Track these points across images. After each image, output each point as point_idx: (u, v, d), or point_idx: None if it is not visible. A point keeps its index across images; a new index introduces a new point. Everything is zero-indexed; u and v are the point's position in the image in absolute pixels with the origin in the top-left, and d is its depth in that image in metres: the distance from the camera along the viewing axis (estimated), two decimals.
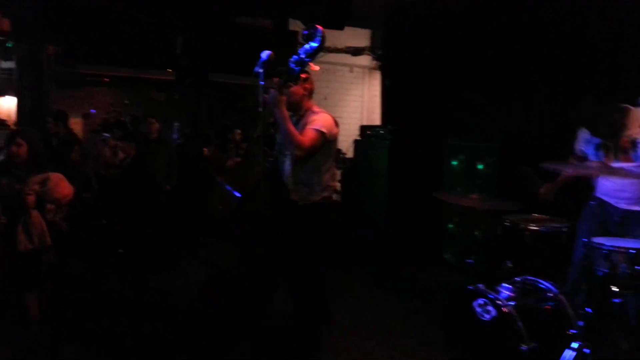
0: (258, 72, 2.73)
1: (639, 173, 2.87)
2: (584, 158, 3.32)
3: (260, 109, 2.85)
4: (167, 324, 3.60)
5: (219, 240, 3.32)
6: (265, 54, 2.65)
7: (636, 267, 2.54)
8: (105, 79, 8.21)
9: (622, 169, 2.88)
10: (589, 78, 3.96)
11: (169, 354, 3.20)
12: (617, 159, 3.05)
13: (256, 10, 6.72)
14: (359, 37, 7.92)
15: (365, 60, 8.19)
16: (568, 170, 3.24)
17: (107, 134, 5.64)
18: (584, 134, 3.30)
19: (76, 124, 7.53)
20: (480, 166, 4.59)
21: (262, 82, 2.70)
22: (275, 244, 3.16)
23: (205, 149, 5.51)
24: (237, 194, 3.11)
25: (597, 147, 3.17)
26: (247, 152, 3.23)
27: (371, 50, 7.97)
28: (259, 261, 3.10)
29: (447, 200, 3.46)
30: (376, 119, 7.57)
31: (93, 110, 8.16)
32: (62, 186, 3.21)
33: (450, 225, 4.95)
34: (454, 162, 4.88)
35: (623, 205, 3.07)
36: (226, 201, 3.20)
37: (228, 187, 3.23)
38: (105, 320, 3.60)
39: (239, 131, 6.08)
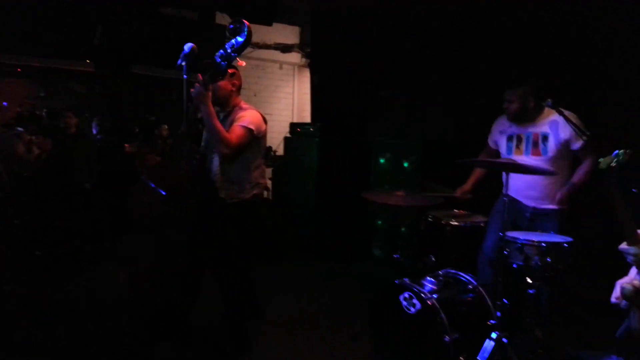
0: (181, 65, 2.64)
1: (543, 169, 3.02)
2: (495, 150, 3.49)
3: (185, 104, 2.75)
4: (89, 325, 3.40)
5: (141, 239, 3.18)
6: (187, 46, 2.56)
7: (547, 259, 2.71)
8: (18, 69, 7.61)
9: (528, 165, 3.03)
10: (507, 73, 4.16)
11: (93, 356, 3.03)
12: (527, 153, 3.23)
13: (181, 0, 6.50)
14: (289, 34, 7.89)
15: (295, 57, 8.18)
16: (477, 167, 3.42)
17: (20, 128, 5.23)
18: (499, 124, 3.45)
19: None
20: (405, 164, 4.72)
21: (185, 76, 2.61)
22: (201, 242, 3.08)
23: (126, 145, 5.26)
24: (162, 192, 3.00)
25: (509, 139, 3.34)
26: (172, 148, 3.11)
27: (300, 47, 7.97)
28: (184, 259, 3.00)
29: (373, 199, 3.53)
30: (307, 117, 7.58)
31: (5, 103, 7.55)
32: None
33: (379, 222, 5.05)
34: (381, 160, 4.99)
35: (532, 204, 3.26)
36: (149, 199, 3.07)
37: (152, 185, 3.10)
38: (24, 324, 3.35)
39: (165, 127, 5.86)
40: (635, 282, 1.63)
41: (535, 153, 3.19)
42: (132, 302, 3.40)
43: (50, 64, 7.16)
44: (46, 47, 6.51)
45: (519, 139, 3.28)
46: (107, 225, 5.06)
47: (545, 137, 3.16)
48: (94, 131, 6.13)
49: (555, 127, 3.11)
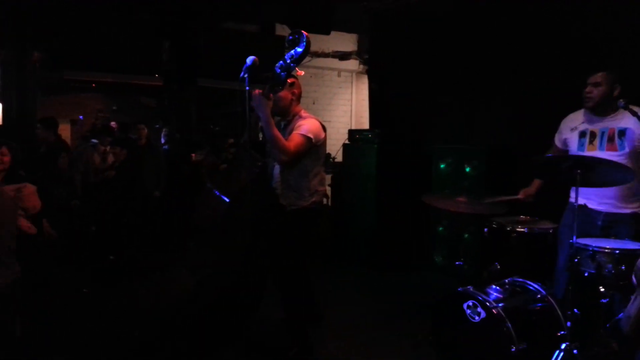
0: (243, 78, 2.74)
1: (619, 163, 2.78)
2: (563, 151, 3.30)
3: (248, 115, 2.85)
4: (157, 329, 3.57)
5: (207, 246, 3.31)
6: (249, 59, 2.65)
7: (621, 267, 2.57)
8: (93, 85, 8.15)
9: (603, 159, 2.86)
10: (571, 80, 4.00)
11: None
12: (602, 148, 3.05)
13: (243, 15, 6.72)
14: (346, 41, 7.94)
15: (352, 64, 8.21)
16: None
17: (95, 140, 5.60)
18: (569, 121, 3.26)
19: (64, 130, 7.47)
20: (467, 169, 4.62)
21: (248, 88, 2.70)
22: (262, 248, 3.15)
23: (193, 155, 5.50)
24: (226, 199, 3.10)
25: (582, 135, 3.16)
26: (235, 157, 3.22)
27: (358, 54, 7.99)
28: (247, 266, 3.09)
29: (434, 204, 3.47)
30: (365, 123, 7.59)
31: (81, 117, 8.10)
32: (33, 198, 3.32)
33: (440, 228, 4.97)
34: (442, 165, 4.91)
35: (604, 208, 3.07)
36: (214, 206, 3.19)
37: (217, 192, 3.22)
38: (95, 327, 3.57)
39: (231, 140, 6.08)
40: None
41: (610, 148, 3.00)
42: (198, 307, 3.53)
43: (122, 79, 7.62)
44: (118, 63, 6.93)
45: (593, 135, 3.08)
46: (175, 231, 5.31)
47: (622, 132, 2.97)
48: (163, 142, 6.45)
49: (633, 122, 2.92)
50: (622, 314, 2.24)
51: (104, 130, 5.99)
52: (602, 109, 3.05)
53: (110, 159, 5.33)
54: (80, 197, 5.05)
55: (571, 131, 3.22)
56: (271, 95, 2.88)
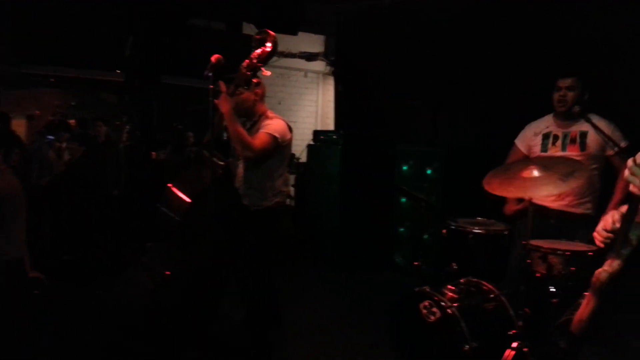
0: (208, 75, 2.72)
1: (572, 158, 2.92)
2: (524, 155, 3.38)
3: (211, 113, 2.83)
4: (114, 331, 3.50)
5: (166, 246, 3.26)
6: (214, 57, 2.64)
7: (571, 268, 2.68)
8: (51, 79, 7.90)
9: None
10: (532, 84, 4.13)
11: None
12: (564, 149, 3.17)
13: (210, 12, 6.66)
14: (313, 42, 7.99)
15: (319, 65, 8.26)
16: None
17: (51, 137, 5.43)
18: (533, 127, 3.36)
19: (20, 126, 7.21)
20: (428, 171, 4.72)
21: (212, 86, 2.69)
22: (224, 249, 3.14)
23: (153, 153, 5.40)
24: (187, 199, 3.07)
25: (545, 137, 3.27)
26: (197, 156, 3.19)
27: (325, 56, 8.05)
28: (208, 267, 3.07)
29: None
30: (330, 124, 7.64)
31: (37, 112, 7.83)
32: None
33: (401, 229, 5.05)
34: (404, 167, 5.00)
35: (559, 207, 3.21)
36: (176, 206, 3.15)
37: (178, 192, 3.18)
38: (51, 329, 3.46)
39: (191, 134, 6.00)
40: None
41: (572, 149, 3.13)
42: (156, 309, 3.48)
43: (82, 74, 7.42)
44: (78, 58, 6.75)
45: (556, 137, 3.21)
46: (133, 232, 5.20)
47: (584, 135, 3.12)
48: (123, 139, 6.31)
49: (595, 127, 3.03)
50: (571, 314, 2.34)
51: (61, 126, 5.81)
52: (568, 113, 3.15)
53: (66, 156, 5.18)
54: (35, 195, 4.88)
55: (535, 135, 3.33)
56: (234, 95, 2.86)
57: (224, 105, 2.81)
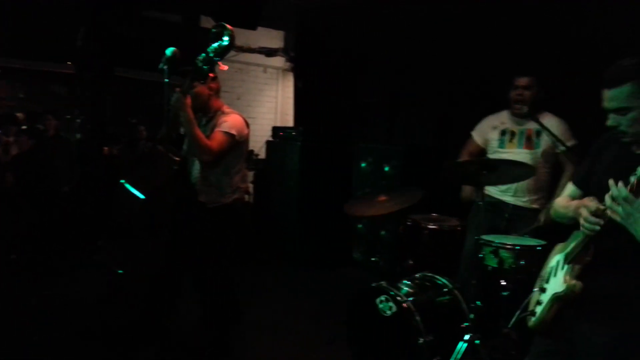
0: (162, 69, 2.65)
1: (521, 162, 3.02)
2: (481, 149, 3.50)
3: (166, 108, 2.76)
4: (66, 331, 3.38)
5: (120, 244, 3.17)
6: (169, 50, 2.57)
7: (521, 262, 2.78)
8: None
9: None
10: (485, 81, 4.23)
11: None
12: (520, 146, 3.28)
13: (166, 4, 6.49)
14: (273, 38, 7.92)
15: (279, 61, 8.20)
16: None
17: None
18: (490, 120, 3.46)
19: None
20: (386, 168, 4.78)
21: (167, 80, 2.62)
22: (180, 247, 3.08)
23: (106, 148, 5.24)
24: (141, 196, 2.99)
25: (502, 133, 3.37)
26: (151, 151, 3.11)
27: (285, 51, 8.00)
28: (163, 265, 3.00)
29: (352, 212, 3.54)
30: (290, 120, 7.61)
31: None
32: None
33: (359, 225, 5.10)
34: (363, 164, 5.04)
35: (512, 200, 3.32)
36: (129, 203, 3.06)
37: (131, 189, 3.09)
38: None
39: (142, 128, 5.84)
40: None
41: (527, 146, 3.25)
42: (110, 307, 3.39)
43: (31, 66, 7.10)
44: (27, 48, 6.46)
45: (512, 134, 3.32)
46: (85, 229, 5.03)
47: (538, 133, 3.23)
48: (75, 134, 6.10)
49: (549, 124, 3.16)
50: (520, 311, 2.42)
51: (9, 120, 5.55)
52: (524, 110, 3.23)
53: (14, 150, 4.95)
54: None
55: (493, 129, 3.42)
56: (190, 90, 2.80)
57: (183, 107, 2.74)
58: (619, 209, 1.43)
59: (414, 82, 5.02)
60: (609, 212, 1.49)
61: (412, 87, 5.07)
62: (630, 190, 1.42)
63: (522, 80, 3.24)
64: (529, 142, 3.24)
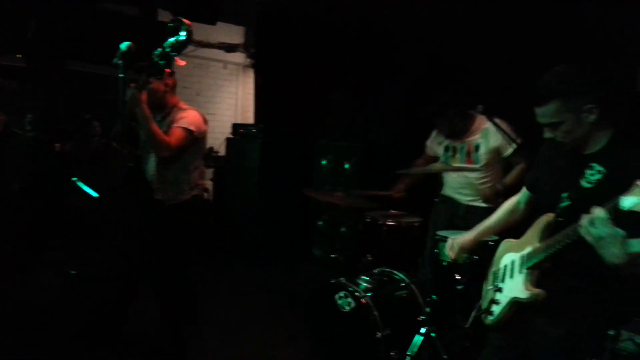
0: (117, 64, 2.59)
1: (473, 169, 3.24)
2: (434, 157, 3.65)
3: (121, 104, 2.70)
4: (19, 331, 3.26)
5: (74, 244, 3.09)
6: (124, 44, 2.51)
7: (475, 256, 2.86)
8: None
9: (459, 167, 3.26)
10: (445, 81, 4.33)
11: None
12: (462, 162, 3.41)
13: None
14: (233, 33, 7.83)
15: (239, 57, 8.12)
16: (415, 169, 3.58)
17: None
18: (438, 136, 3.60)
19: None
20: (346, 165, 4.82)
21: (122, 75, 2.56)
22: (138, 246, 3.02)
23: (57, 144, 5.05)
24: (94, 194, 2.92)
25: (446, 149, 3.51)
26: (105, 148, 3.03)
27: (245, 47, 7.93)
28: (118, 263, 2.94)
29: (314, 196, 3.60)
30: (251, 117, 7.55)
31: None
32: None
33: (320, 222, 5.12)
34: (323, 161, 5.07)
35: (465, 201, 3.43)
36: (82, 202, 2.99)
37: (84, 187, 3.02)
38: None
39: (96, 123, 5.66)
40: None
41: (468, 162, 3.37)
42: (64, 309, 3.29)
43: None
44: None
45: (454, 150, 3.44)
46: (37, 229, 4.85)
47: (477, 147, 3.34)
48: (25, 130, 5.85)
49: (486, 135, 3.28)
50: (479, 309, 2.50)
51: None
52: (458, 134, 3.41)
53: None
54: None
55: (439, 144, 3.57)
56: (145, 86, 2.75)
57: (138, 103, 2.69)
58: (593, 230, 1.46)
59: (374, 80, 5.08)
60: (582, 231, 1.50)
61: (372, 84, 5.12)
62: (610, 216, 1.43)
63: (435, 121, 3.43)
64: (469, 157, 3.36)
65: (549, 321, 1.74)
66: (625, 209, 1.37)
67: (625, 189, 1.45)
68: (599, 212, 1.44)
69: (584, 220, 1.49)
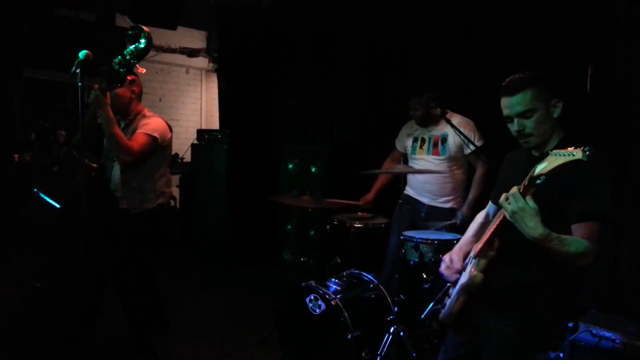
0: (75, 72, 2.54)
1: (435, 171, 3.35)
2: (402, 153, 3.71)
3: (80, 112, 2.64)
4: None
5: (35, 256, 3.00)
6: (82, 53, 2.47)
7: (440, 255, 2.93)
8: None
9: (421, 169, 3.35)
10: (411, 86, 4.39)
11: None
12: (429, 152, 3.49)
13: (79, 1, 6.16)
14: (195, 38, 7.76)
15: (202, 62, 8.05)
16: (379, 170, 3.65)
17: None
18: (407, 128, 3.68)
19: None
20: (313, 169, 4.85)
21: (80, 83, 2.52)
22: (101, 255, 2.96)
23: (16, 155, 4.89)
24: (56, 205, 2.84)
25: (415, 140, 3.58)
26: (67, 157, 2.96)
27: (207, 52, 7.86)
28: (83, 274, 2.88)
29: (282, 201, 3.62)
30: (216, 122, 7.49)
31: None
32: None
33: (289, 226, 5.13)
34: (290, 166, 5.08)
35: (427, 201, 3.51)
36: (43, 213, 2.90)
37: (45, 197, 2.93)
38: None
39: (62, 132, 5.51)
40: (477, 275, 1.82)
41: (435, 153, 3.46)
42: (26, 323, 3.19)
43: None
44: None
45: (423, 140, 3.53)
46: None
47: (444, 139, 3.43)
48: None
49: (452, 131, 3.36)
50: (434, 303, 2.55)
51: None
52: (428, 122, 3.49)
53: None
54: None
55: (407, 137, 3.66)
56: (108, 92, 2.71)
57: (101, 105, 2.65)
58: (508, 206, 1.55)
59: (339, 83, 5.12)
60: (502, 210, 1.61)
61: (336, 87, 5.16)
62: (521, 190, 1.54)
63: (412, 102, 3.49)
64: (436, 148, 3.46)
65: (498, 319, 1.80)
66: (535, 174, 1.49)
67: (567, 192, 1.55)
68: (512, 189, 1.55)
69: (502, 198, 1.59)
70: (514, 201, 1.53)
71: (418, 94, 3.44)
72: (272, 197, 3.76)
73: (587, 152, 1.40)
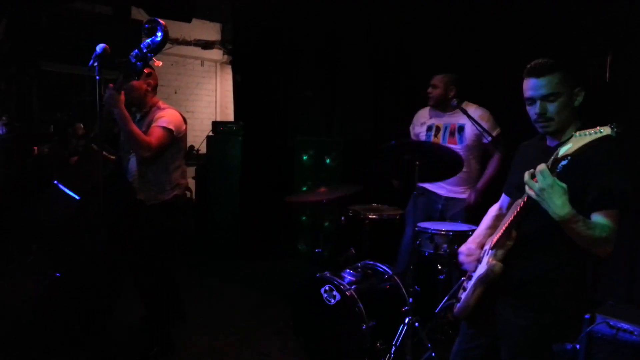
0: (93, 66, 2.57)
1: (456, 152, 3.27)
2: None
3: (99, 105, 2.68)
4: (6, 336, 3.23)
5: (54, 247, 3.06)
6: (99, 47, 2.49)
7: (455, 246, 2.93)
8: None
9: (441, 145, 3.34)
10: (423, 77, 4.37)
11: None
12: (444, 141, 3.46)
13: None
14: (209, 30, 7.78)
15: (216, 54, 8.07)
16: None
17: None
18: (420, 117, 3.66)
19: None
20: (327, 160, 4.86)
21: (98, 77, 2.54)
22: (121, 247, 3.01)
23: (35, 147, 4.97)
24: (75, 196, 2.89)
25: (429, 129, 3.55)
26: (86, 150, 3.00)
27: (222, 44, 7.88)
28: (101, 265, 2.93)
29: (296, 200, 3.62)
30: (230, 114, 7.52)
31: None
32: None
33: (303, 217, 5.15)
34: (304, 157, 5.09)
35: (444, 192, 3.50)
36: (63, 205, 2.95)
37: (64, 189, 2.98)
38: None
39: (80, 125, 5.59)
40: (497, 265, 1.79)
41: (451, 142, 3.43)
42: (46, 313, 3.26)
43: None
44: None
45: (438, 129, 3.50)
46: (16, 232, 4.77)
47: (461, 128, 3.41)
48: (0, 132, 5.75)
49: (468, 120, 3.34)
50: (448, 297, 2.55)
51: None
52: (442, 107, 3.45)
53: None
54: None
55: (421, 125, 3.62)
56: (123, 87, 2.73)
57: (116, 104, 2.67)
58: (535, 184, 1.52)
59: (353, 75, 5.10)
60: (526, 188, 1.57)
61: (351, 79, 5.14)
62: (549, 167, 1.51)
63: (434, 79, 3.45)
64: (452, 137, 3.43)
65: (515, 311, 1.79)
66: (559, 156, 1.47)
67: (587, 176, 1.53)
68: (540, 165, 1.51)
69: (527, 176, 1.55)
70: (543, 178, 1.49)
71: (443, 71, 3.41)
72: (287, 198, 3.75)
73: (615, 129, 1.38)
